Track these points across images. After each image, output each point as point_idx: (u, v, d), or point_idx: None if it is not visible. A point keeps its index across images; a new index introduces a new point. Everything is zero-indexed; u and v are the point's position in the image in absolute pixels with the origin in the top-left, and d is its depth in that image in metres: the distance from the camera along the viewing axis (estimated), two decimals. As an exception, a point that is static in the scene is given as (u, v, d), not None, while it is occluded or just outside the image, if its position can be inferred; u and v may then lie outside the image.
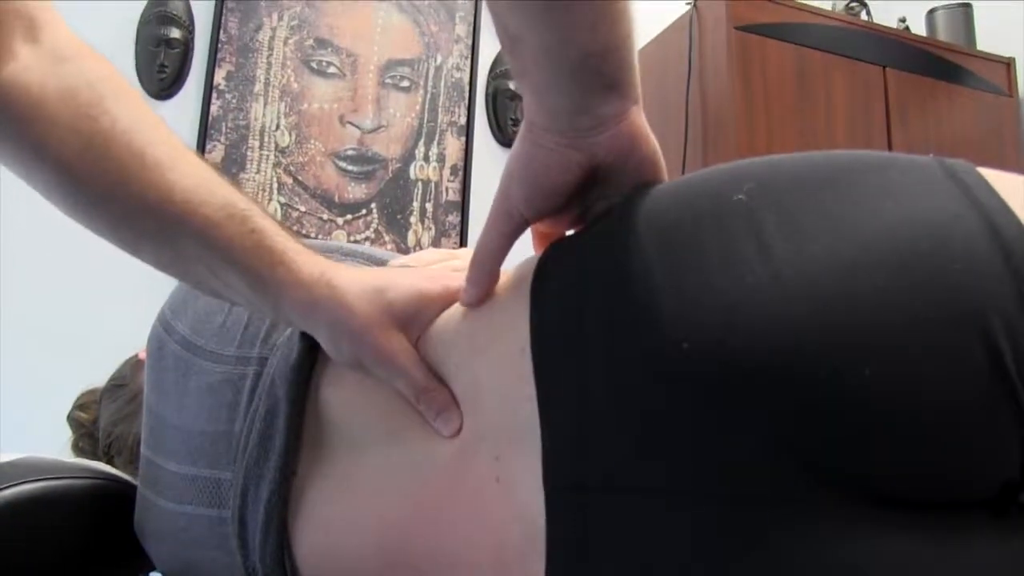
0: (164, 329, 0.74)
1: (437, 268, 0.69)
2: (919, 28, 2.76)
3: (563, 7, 0.46)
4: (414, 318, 0.59)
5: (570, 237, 0.58)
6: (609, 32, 0.48)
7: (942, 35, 2.72)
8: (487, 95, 2.58)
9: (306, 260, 0.59)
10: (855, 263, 0.43)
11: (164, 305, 0.77)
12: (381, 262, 0.77)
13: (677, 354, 0.44)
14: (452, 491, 0.54)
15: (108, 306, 1.99)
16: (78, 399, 1.06)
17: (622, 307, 0.47)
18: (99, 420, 0.99)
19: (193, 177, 0.58)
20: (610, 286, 0.49)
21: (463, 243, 2.44)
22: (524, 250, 0.60)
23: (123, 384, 0.99)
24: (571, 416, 0.48)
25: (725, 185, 0.49)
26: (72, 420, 1.05)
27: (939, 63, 2.56)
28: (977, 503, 0.42)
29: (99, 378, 1.04)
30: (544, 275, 0.54)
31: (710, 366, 0.43)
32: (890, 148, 2.39)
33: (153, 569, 0.83)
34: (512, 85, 2.54)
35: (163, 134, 0.59)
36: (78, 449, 1.03)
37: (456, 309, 0.59)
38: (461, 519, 0.53)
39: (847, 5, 2.63)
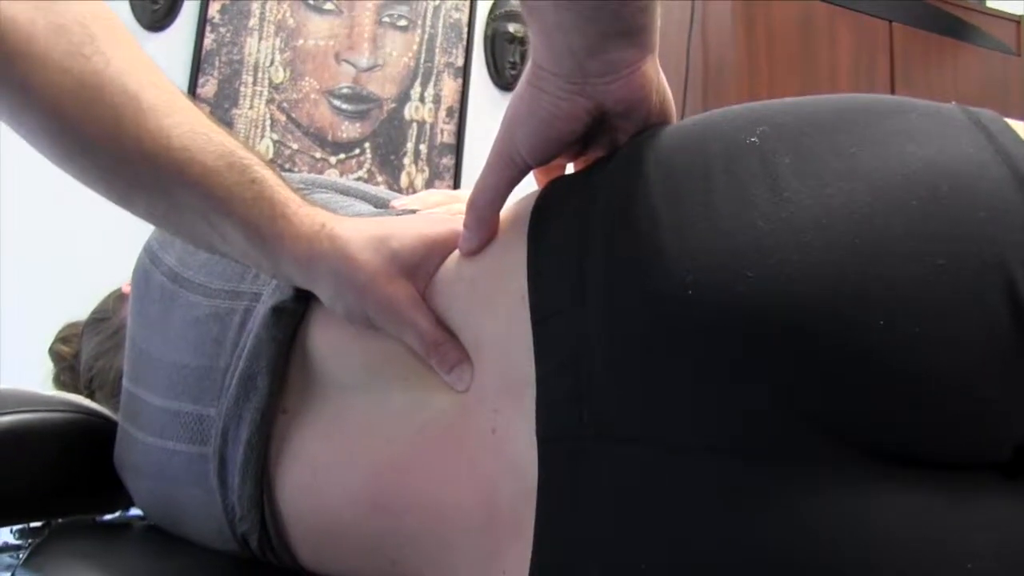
0: (150, 260, 0.72)
1: (440, 212, 0.68)
2: (929, -18, 2.71)
3: None
4: (420, 266, 0.57)
5: (572, 176, 0.56)
6: None
7: (952, -9, 2.68)
8: (485, 37, 2.53)
9: (307, 212, 0.57)
10: (872, 208, 0.41)
11: (151, 235, 0.75)
12: (379, 200, 0.75)
13: (681, 300, 0.42)
14: (446, 440, 0.54)
15: (103, 236, 1.97)
16: (60, 332, 1.05)
17: (625, 251, 0.46)
18: (81, 354, 0.99)
19: (190, 124, 0.55)
20: (613, 229, 0.47)
21: (456, 186, 2.41)
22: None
23: (106, 318, 0.98)
24: (568, 363, 0.47)
25: (738, 127, 0.47)
26: (53, 353, 1.04)
27: (947, 20, 2.52)
28: (988, 464, 0.41)
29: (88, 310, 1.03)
30: (543, 216, 0.53)
31: (715, 313, 0.42)
32: (892, 105, 2.36)
33: (132, 505, 0.83)
34: (512, 28, 2.50)
35: (157, 77, 0.56)
36: (59, 382, 1.03)
37: (458, 254, 0.57)
38: (453, 468, 0.53)
39: (857, -44, 2.59)
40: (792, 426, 0.40)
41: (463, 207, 0.56)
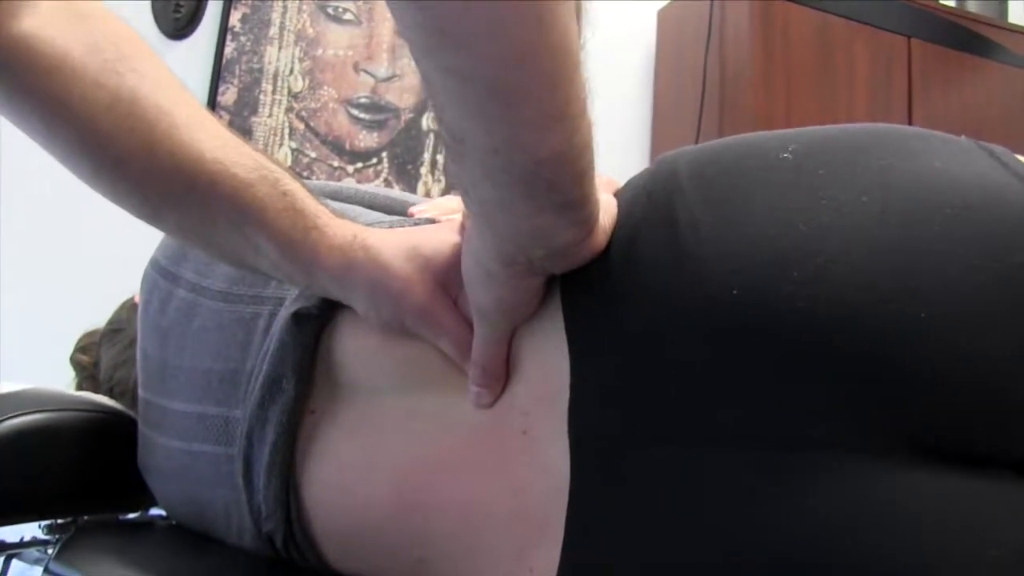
0: (162, 276, 0.73)
1: (458, 219, 0.68)
2: (948, -1, 2.71)
3: (507, 96, 0.38)
4: (451, 272, 0.57)
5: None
6: (564, 138, 0.41)
7: (972, 7, 2.66)
8: (504, 48, 2.54)
9: (339, 223, 0.58)
10: (908, 215, 0.43)
11: (156, 254, 0.76)
12: (394, 202, 0.76)
13: (727, 301, 0.44)
14: (476, 441, 0.54)
15: (109, 238, 1.98)
16: (79, 341, 1.06)
17: (667, 256, 0.47)
18: (100, 363, 1.00)
19: (221, 138, 0.56)
20: (652, 235, 0.48)
21: (473, 197, 2.41)
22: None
23: (121, 328, 0.98)
24: (606, 366, 0.48)
25: (769, 147, 0.49)
26: (74, 363, 1.05)
27: (967, 36, 2.51)
28: (1013, 463, 0.43)
29: (98, 309, 1.04)
30: None
31: (761, 312, 0.43)
32: (910, 121, 2.35)
33: (155, 505, 0.84)
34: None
35: (186, 96, 0.57)
36: (81, 391, 1.03)
37: None
38: (482, 468, 0.53)
39: (874, -28, 2.59)
40: (839, 418, 0.42)
41: None
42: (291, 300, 0.63)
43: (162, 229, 0.61)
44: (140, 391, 0.74)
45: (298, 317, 0.61)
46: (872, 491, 0.41)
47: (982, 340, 0.41)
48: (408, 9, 0.36)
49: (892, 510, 0.40)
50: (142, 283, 0.76)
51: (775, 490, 0.42)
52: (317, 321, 0.62)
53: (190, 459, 0.67)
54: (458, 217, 0.69)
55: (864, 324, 0.42)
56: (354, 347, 0.61)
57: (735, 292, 0.44)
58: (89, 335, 1.05)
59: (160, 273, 0.74)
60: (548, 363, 0.51)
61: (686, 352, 0.45)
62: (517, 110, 0.39)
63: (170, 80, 0.57)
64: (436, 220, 0.68)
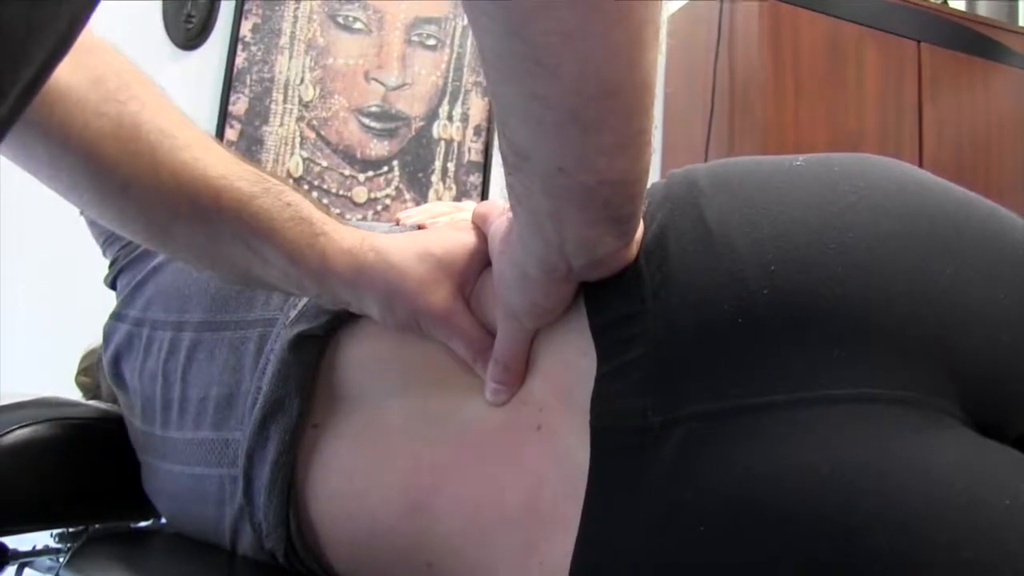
0: (135, 324, 0.74)
1: (444, 221, 0.69)
2: (959, 2, 2.70)
3: (586, 124, 0.40)
4: (464, 272, 0.58)
5: None
6: (628, 163, 0.43)
7: (983, 11, 2.66)
8: (514, 56, 2.55)
9: (346, 229, 0.59)
10: (922, 196, 0.49)
11: (118, 308, 0.78)
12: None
13: (764, 278, 0.46)
14: (488, 439, 0.55)
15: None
16: (80, 362, 1.07)
17: (698, 250, 0.49)
18: (100, 386, 1.00)
19: (223, 156, 0.57)
20: (681, 234, 0.50)
21: (483, 204, 2.42)
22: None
23: None
24: (632, 358, 0.48)
25: (780, 159, 0.53)
26: (79, 384, 1.07)
27: (977, 39, 2.50)
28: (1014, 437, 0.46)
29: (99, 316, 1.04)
30: None
31: (798, 283, 0.45)
32: (920, 125, 2.35)
33: (165, 514, 0.84)
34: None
35: (187, 121, 0.58)
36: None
37: None
38: (494, 465, 0.54)
39: (884, -23, 2.58)
40: (872, 374, 0.44)
41: (468, 215, 0.58)
42: (290, 321, 0.64)
43: (168, 251, 0.62)
44: (135, 422, 0.75)
45: (300, 338, 0.62)
46: (907, 442, 0.43)
47: (993, 304, 0.46)
48: (506, 40, 0.38)
49: (927, 458, 0.42)
50: (108, 335, 0.77)
51: (808, 444, 0.43)
52: (320, 341, 0.62)
53: (193, 481, 0.68)
54: (443, 220, 0.69)
55: (897, 286, 0.45)
56: (358, 356, 0.62)
57: (772, 269, 0.46)
58: (89, 355, 1.06)
59: (131, 323, 0.75)
60: (568, 359, 0.52)
61: (720, 332, 0.46)
62: (593, 137, 0.41)
63: (170, 106, 0.58)
64: (423, 226, 0.68)
